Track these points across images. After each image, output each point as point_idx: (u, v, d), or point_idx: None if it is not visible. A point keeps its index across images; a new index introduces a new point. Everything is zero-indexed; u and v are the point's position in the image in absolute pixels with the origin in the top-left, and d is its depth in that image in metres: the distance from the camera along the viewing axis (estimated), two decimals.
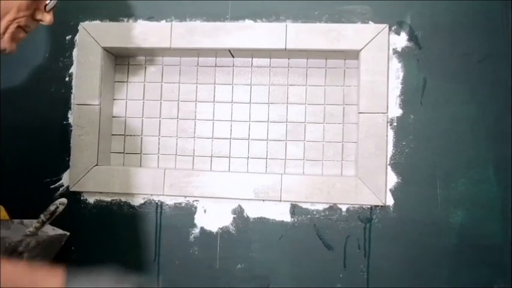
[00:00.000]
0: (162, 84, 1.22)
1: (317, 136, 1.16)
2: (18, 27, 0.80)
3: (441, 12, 1.09)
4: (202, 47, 1.13)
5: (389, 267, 1.07)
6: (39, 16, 0.83)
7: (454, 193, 1.06)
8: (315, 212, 1.10)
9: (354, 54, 1.12)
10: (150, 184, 1.13)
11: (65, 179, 1.17)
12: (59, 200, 0.87)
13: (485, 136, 1.06)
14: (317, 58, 1.16)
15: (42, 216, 0.87)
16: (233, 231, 1.12)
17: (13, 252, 0.83)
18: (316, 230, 1.10)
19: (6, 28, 0.78)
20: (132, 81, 1.23)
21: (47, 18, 0.83)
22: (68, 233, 0.95)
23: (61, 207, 0.87)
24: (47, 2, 0.82)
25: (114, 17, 1.19)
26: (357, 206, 1.08)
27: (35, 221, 0.89)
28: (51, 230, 0.99)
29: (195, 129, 1.20)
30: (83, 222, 1.15)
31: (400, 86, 1.09)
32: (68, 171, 1.17)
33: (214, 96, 1.20)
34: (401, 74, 1.09)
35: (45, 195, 1.17)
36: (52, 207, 0.86)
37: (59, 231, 0.98)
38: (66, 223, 0.90)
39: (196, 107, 1.20)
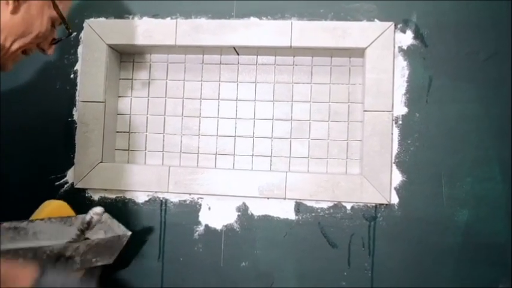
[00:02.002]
0: (166, 82, 1.22)
1: (322, 134, 1.16)
2: (23, 50, 0.82)
3: (447, 10, 1.09)
4: (207, 44, 1.13)
5: (394, 265, 1.07)
6: (44, 46, 0.86)
7: (459, 191, 1.06)
8: (319, 210, 1.10)
9: (360, 52, 1.11)
10: (154, 181, 1.13)
11: (70, 176, 1.17)
12: (93, 209, 0.85)
13: (491, 134, 1.06)
14: (322, 56, 1.16)
15: (80, 225, 0.86)
16: (237, 229, 1.12)
17: (59, 257, 0.82)
18: (321, 228, 1.10)
19: (18, 50, 0.80)
20: (136, 78, 1.23)
21: (50, 51, 0.88)
22: (130, 233, 0.94)
23: (96, 218, 0.86)
24: (57, 37, 0.87)
25: (119, 14, 1.19)
26: (361, 204, 1.08)
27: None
28: (116, 227, 0.98)
29: (199, 126, 1.20)
30: None
31: (405, 84, 1.09)
32: (72, 168, 1.17)
33: (219, 93, 1.20)
34: (406, 72, 1.09)
35: (50, 192, 1.17)
36: (87, 217, 0.86)
37: (121, 231, 0.97)
38: None
39: (200, 105, 1.20)
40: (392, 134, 1.08)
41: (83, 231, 0.85)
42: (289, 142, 1.17)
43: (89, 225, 0.85)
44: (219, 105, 1.19)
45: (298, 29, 1.11)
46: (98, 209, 0.85)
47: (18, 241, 0.90)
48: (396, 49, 1.09)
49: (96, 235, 0.95)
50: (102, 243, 0.90)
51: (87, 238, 0.89)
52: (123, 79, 1.23)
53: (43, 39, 0.84)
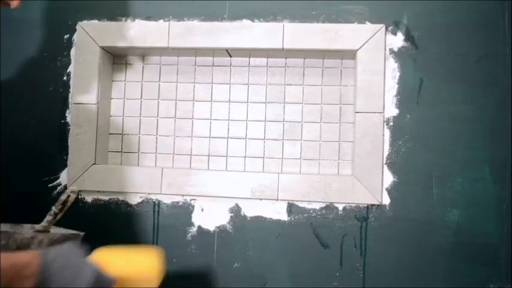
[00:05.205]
0: (159, 84, 1.22)
1: (314, 135, 1.16)
2: None
3: (438, 12, 1.10)
4: (200, 46, 1.14)
5: (386, 265, 1.07)
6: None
7: (450, 192, 1.07)
8: (311, 211, 1.10)
9: (351, 54, 1.12)
10: (147, 183, 1.14)
11: (63, 177, 1.18)
12: (70, 188, 0.83)
13: (481, 135, 1.07)
14: (314, 58, 1.17)
15: (53, 208, 0.83)
16: (230, 230, 1.13)
17: (24, 250, 0.77)
18: (313, 228, 1.10)
19: None
20: (129, 80, 1.23)
21: (14, 2, 0.85)
22: (83, 233, 0.91)
23: (73, 196, 0.83)
24: None
25: (112, 17, 1.19)
26: (353, 205, 1.09)
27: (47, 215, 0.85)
28: (63, 231, 0.94)
29: (192, 128, 1.20)
30: (81, 220, 1.15)
31: (396, 86, 1.10)
32: (65, 170, 1.17)
33: (211, 95, 1.20)
34: (397, 74, 1.10)
35: (43, 194, 1.17)
36: (63, 197, 0.82)
37: (73, 231, 0.92)
38: (64, 221, 0.90)
39: (193, 106, 1.21)
40: (383, 135, 1.09)
41: (56, 214, 0.83)
42: (282, 143, 1.17)
43: (64, 205, 0.82)
44: (211, 107, 1.20)
45: (290, 31, 1.11)
46: (74, 187, 0.83)
47: None
48: (387, 51, 1.10)
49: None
50: (62, 239, 0.85)
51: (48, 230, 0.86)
52: (116, 81, 1.23)
53: None
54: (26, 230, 0.86)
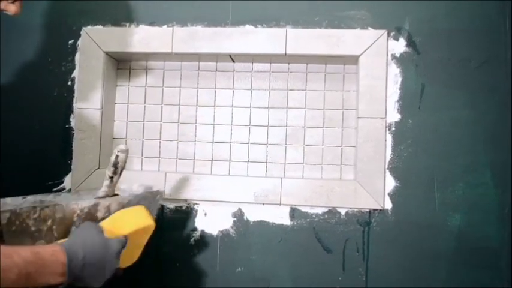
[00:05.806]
0: (163, 89, 1.23)
1: (316, 140, 1.17)
2: None
3: (439, 18, 1.11)
4: (203, 51, 1.15)
5: (388, 270, 1.08)
6: (3, 6, 0.84)
7: (451, 197, 1.07)
8: (314, 216, 1.11)
9: (353, 60, 1.13)
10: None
11: (67, 182, 1.18)
12: (117, 147, 0.77)
13: (483, 140, 1.08)
14: (316, 63, 1.17)
15: (107, 172, 0.79)
16: (233, 235, 1.13)
17: (90, 219, 0.75)
18: (315, 233, 1.11)
19: None
20: (133, 85, 1.24)
21: (12, 8, 0.85)
22: (162, 190, 0.86)
23: (122, 155, 0.78)
24: None
25: (116, 22, 1.20)
26: (355, 209, 1.10)
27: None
28: (140, 192, 0.88)
29: (195, 133, 1.21)
30: None
31: (398, 91, 1.10)
32: (69, 174, 1.18)
33: (214, 100, 1.21)
34: (399, 79, 1.11)
35: None
36: (112, 158, 0.78)
37: (151, 190, 0.88)
38: None
39: (197, 111, 1.21)
40: (385, 140, 1.09)
41: (112, 178, 0.79)
42: (284, 148, 1.18)
43: (115, 167, 0.78)
44: (214, 112, 1.21)
45: (293, 36, 1.12)
46: (122, 146, 0.77)
47: None
48: (389, 56, 1.11)
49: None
50: (136, 201, 0.81)
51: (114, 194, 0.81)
52: (119, 86, 1.24)
53: None
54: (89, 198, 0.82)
